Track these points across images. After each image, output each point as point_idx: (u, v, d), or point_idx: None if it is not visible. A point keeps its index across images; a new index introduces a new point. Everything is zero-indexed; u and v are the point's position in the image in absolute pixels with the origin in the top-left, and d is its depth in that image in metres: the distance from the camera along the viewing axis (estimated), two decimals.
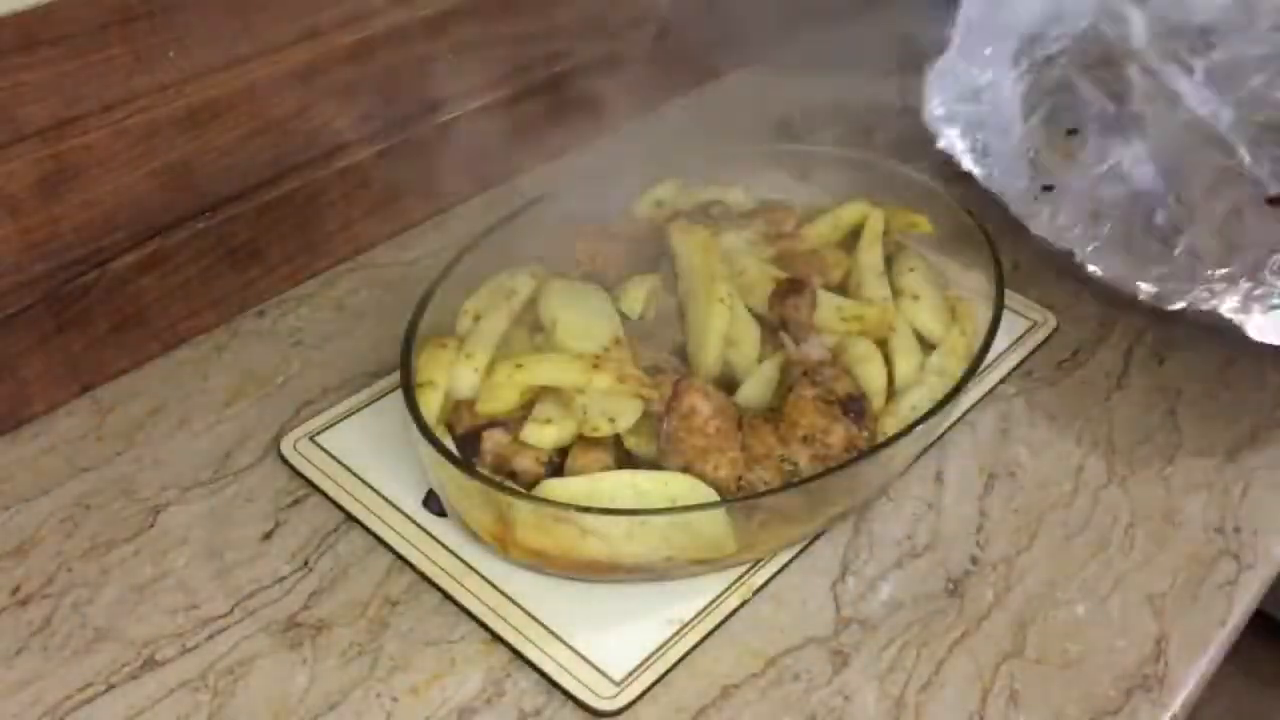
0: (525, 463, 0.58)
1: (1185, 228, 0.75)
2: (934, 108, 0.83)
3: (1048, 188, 0.82)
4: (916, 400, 0.62)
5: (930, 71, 0.85)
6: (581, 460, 0.58)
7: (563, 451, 0.58)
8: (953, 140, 0.82)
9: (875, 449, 0.58)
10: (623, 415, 0.58)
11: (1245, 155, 0.78)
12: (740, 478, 0.56)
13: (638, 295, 0.66)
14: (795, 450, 0.57)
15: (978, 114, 0.86)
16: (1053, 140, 0.82)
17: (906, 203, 0.74)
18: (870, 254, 0.69)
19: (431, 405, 0.59)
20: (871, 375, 0.62)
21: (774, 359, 0.63)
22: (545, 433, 0.58)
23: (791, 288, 0.64)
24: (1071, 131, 0.83)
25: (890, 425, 0.60)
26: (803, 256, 0.70)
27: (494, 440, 0.59)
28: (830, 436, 0.57)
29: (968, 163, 0.79)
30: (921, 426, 0.58)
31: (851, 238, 0.73)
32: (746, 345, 0.63)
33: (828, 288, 0.68)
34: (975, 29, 0.88)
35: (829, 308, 0.65)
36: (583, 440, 0.58)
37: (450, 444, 0.59)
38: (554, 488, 0.55)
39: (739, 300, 0.64)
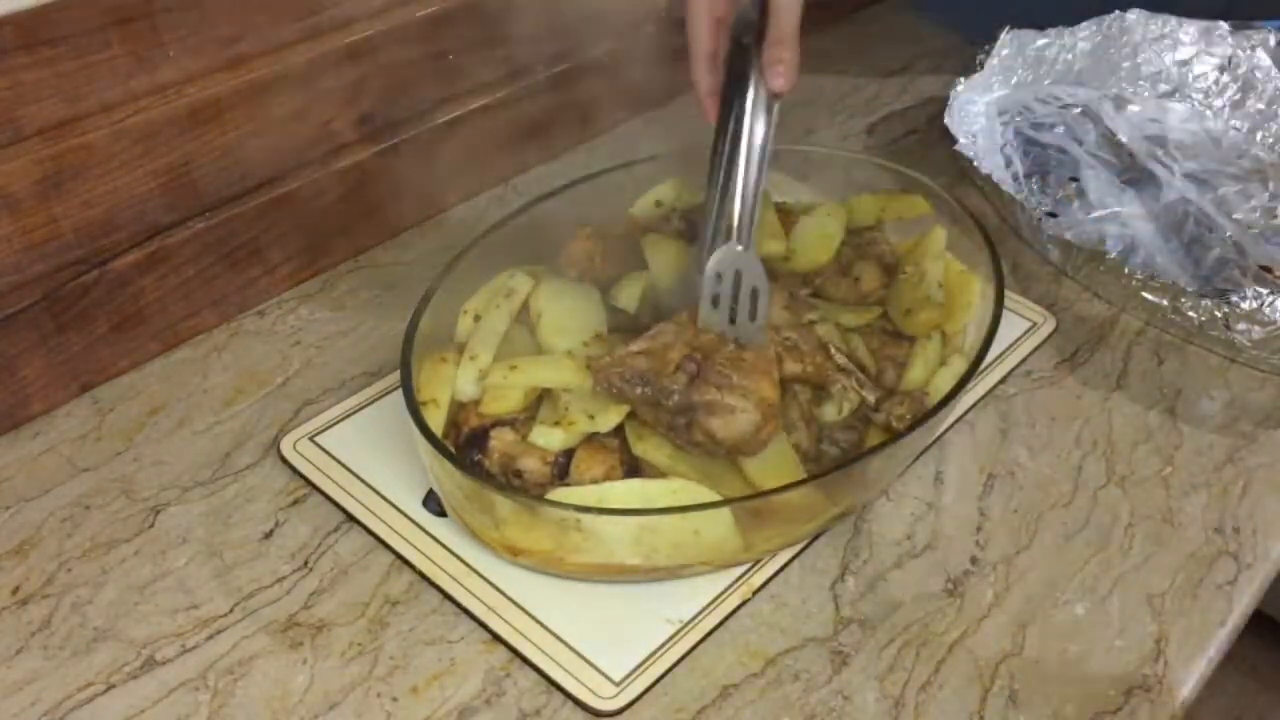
0: (531, 463, 0.58)
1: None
2: (958, 109, 0.91)
3: (1051, 214, 0.87)
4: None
5: (960, 85, 0.93)
6: (586, 462, 0.58)
7: (569, 452, 0.58)
8: (969, 147, 0.87)
9: (875, 448, 0.58)
10: (603, 413, 0.58)
11: (1229, 229, 0.86)
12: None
13: (633, 291, 0.67)
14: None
15: (987, 136, 0.95)
16: (1058, 181, 0.91)
17: None
18: (934, 264, 0.70)
19: (434, 423, 0.59)
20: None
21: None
22: (554, 434, 0.58)
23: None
24: (1073, 179, 0.91)
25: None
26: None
27: (502, 440, 0.59)
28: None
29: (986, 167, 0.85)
30: (921, 426, 0.58)
31: (851, 234, 0.73)
32: None
33: (818, 294, 0.69)
34: (1004, 68, 0.99)
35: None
36: (588, 442, 0.58)
37: (452, 443, 0.59)
38: (564, 496, 0.55)
39: None
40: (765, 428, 0.56)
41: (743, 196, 0.58)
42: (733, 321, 0.59)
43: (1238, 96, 0.98)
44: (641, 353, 0.57)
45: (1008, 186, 0.82)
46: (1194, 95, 1.00)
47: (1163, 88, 1.00)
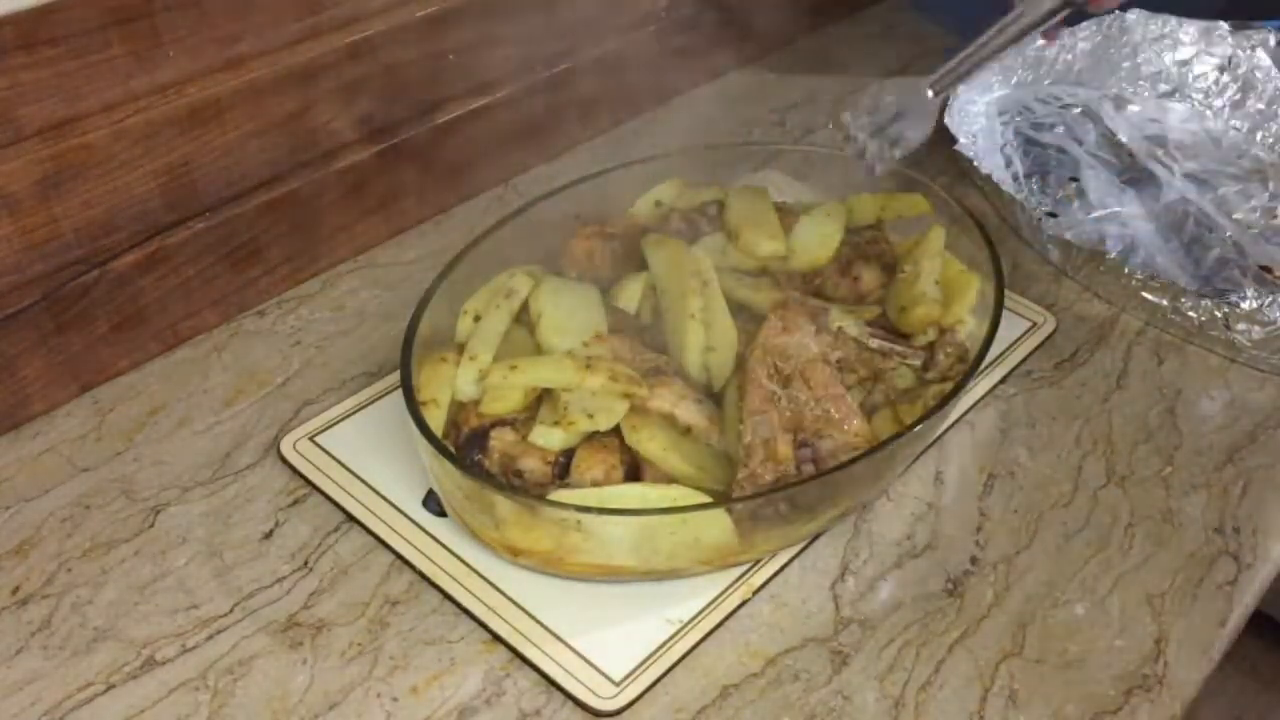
0: (532, 462, 0.58)
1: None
2: (957, 109, 0.92)
3: (1051, 214, 0.87)
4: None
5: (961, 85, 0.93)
6: (587, 461, 0.58)
7: (569, 452, 0.59)
8: (969, 147, 0.87)
9: (875, 448, 0.58)
10: (602, 413, 0.58)
11: (1229, 229, 0.86)
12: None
13: (634, 291, 0.67)
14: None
15: (987, 136, 0.95)
16: (1058, 181, 0.91)
17: None
18: (931, 262, 0.70)
19: (434, 423, 0.59)
20: None
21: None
22: (554, 434, 0.58)
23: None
24: (1073, 179, 0.91)
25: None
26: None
27: (502, 440, 0.59)
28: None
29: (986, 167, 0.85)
30: (921, 426, 0.58)
31: (850, 234, 0.73)
32: (726, 350, 0.63)
33: (818, 294, 0.69)
34: (1004, 68, 1.01)
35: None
36: (588, 442, 0.58)
37: (452, 443, 0.59)
38: (564, 496, 0.56)
39: (719, 304, 0.64)
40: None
41: (969, 54, 0.63)
42: (871, 137, 0.63)
43: (1238, 96, 0.98)
44: (758, 466, 0.57)
45: (1008, 186, 0.82)
46: (1194, 95, 1.00)
47: (1163, 88, 1.01)
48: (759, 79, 1.07)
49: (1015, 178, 0.91)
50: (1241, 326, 0.71)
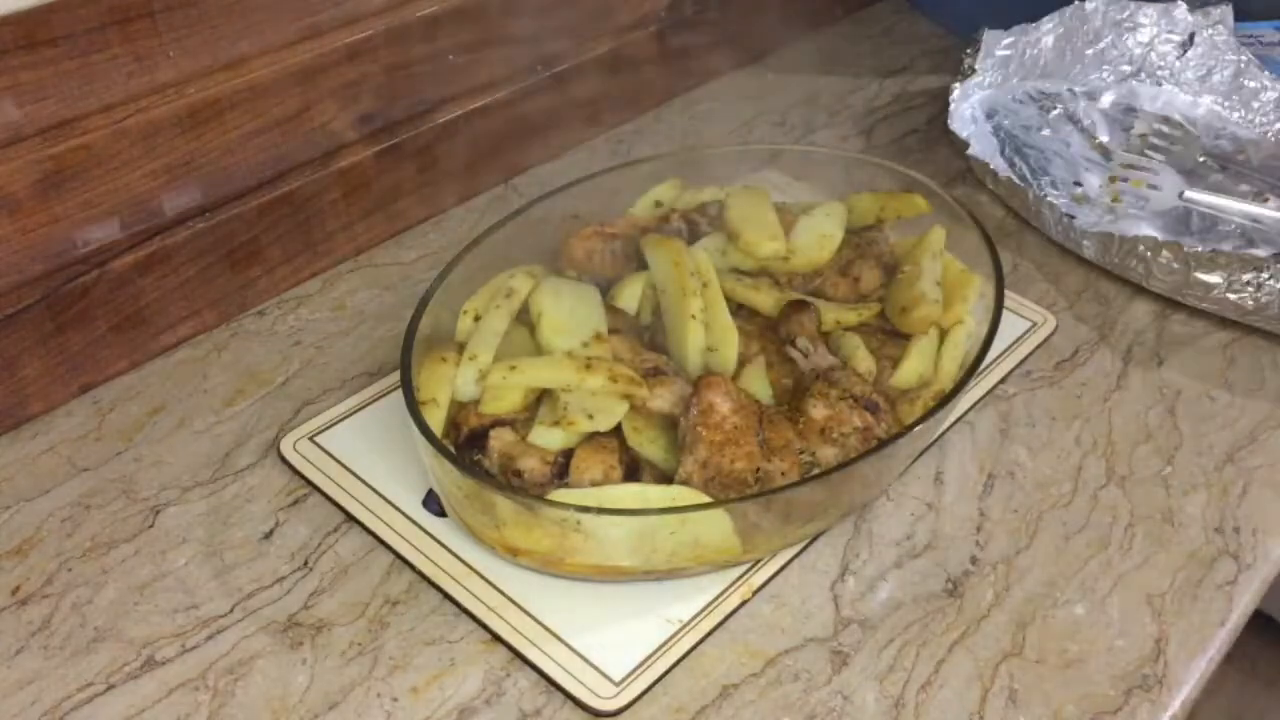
0: (531, 462, 0.58)
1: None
2: (961, 111, 0.92)
3: (1069, 216, 0.87)
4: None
5: (960, 85, 0.94)
6: (586, 461, 0.58)
7: (568, 452, 0.59)
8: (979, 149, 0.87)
9: (875, 448, 0.58)
10: (602, 413, 0.58)
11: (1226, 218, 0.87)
12: (758, 469, 0.56)
13: (634, 291, 0.67)
14: (813, 442, 0.58)
15: (988, 137, 0.95)
16: (1062, 181, 0.91)
17: None
18: (931, 262, 0.70)
19: (434, 423, 0.59)
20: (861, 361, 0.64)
21: (760, 359, 0.64)
22: (553, 434, 0.58)
23: (796, 308, 0.65)
24: (1077, 184, 0.91)
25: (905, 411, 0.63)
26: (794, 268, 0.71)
27: (501, 440, 0.59)
28: (846, 428, 0.58)
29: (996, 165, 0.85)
30: (921, 426, 0.58)
31: (850, 234, 0.73)
32: (726, 350, 0.63)
33: (818, 293, 0.69)
34: (999, 67, 1.00)
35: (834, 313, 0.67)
36: (588, 442, 0.58)
37: (452, 443, 0.59)
38: (564, 498, 0.55)
39: (719, 304, 0.64)
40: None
41: None
42: None
43: (1203, 73, 0.98)
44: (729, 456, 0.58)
45: (1023, 185, 0.82)
46: (1160, 74, 0.99)
47: (1126, 69, 1.00)
48: (759, 79, 1.07)
49: (1022, 179, 0.91)
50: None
